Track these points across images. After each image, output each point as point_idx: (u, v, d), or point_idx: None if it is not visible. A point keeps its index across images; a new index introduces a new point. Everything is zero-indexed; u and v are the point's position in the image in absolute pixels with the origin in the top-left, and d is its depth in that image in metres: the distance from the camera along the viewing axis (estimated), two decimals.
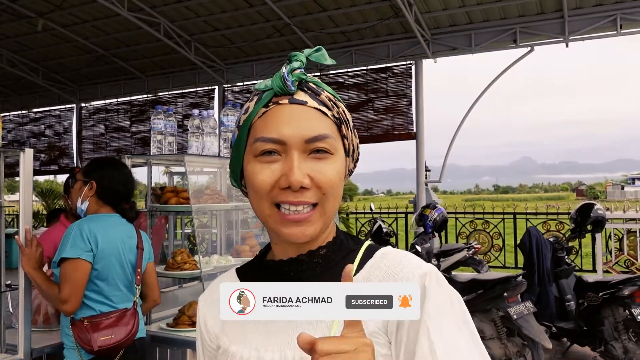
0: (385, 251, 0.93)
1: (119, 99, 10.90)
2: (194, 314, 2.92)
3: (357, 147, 0.95)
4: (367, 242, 0.96)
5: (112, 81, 10.68)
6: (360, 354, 0.67)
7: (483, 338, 4.76)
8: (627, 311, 4.57)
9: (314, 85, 0.88)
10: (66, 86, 11.01)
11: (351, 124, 0.93)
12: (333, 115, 0.88)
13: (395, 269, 0.89)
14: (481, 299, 4.84)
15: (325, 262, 0.92)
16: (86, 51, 9.41)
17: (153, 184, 3.17)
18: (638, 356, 4.54)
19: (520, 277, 4.76)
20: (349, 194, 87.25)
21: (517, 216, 8.11)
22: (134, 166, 3.05)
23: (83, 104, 11.40)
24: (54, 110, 11.78)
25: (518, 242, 6.05)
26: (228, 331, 0.95)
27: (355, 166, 0.97)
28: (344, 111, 0.90)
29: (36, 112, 12.05)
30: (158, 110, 2.97)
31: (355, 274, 0.88)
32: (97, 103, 11.28)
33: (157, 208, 2.95)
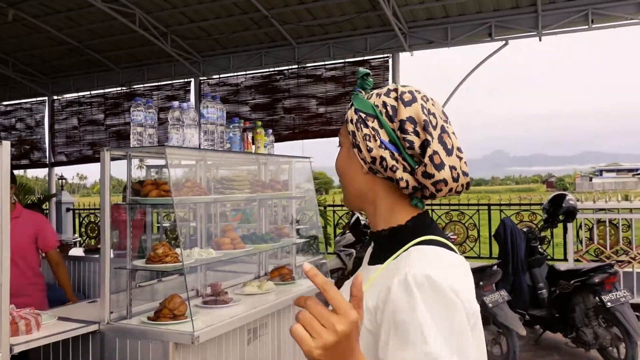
0: (416, 248, 1.03)
1: (92, 92, 10.72)
2: (175, 307, 2.92)
3: (367, 139, 1.05)
4: (425, 237, 1.04)
5: (86, 73, 10.49)
6: (339, 326, 0.75)
7: None
8: (597, 298, 4.71)
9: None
10: (38, 78, 10.78)
11: (355, 120, 1.09)
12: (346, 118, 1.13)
13: (398, 267, 0.99)
14: None
15: (382, 243, 1.10)
16: (59, 42, 9.23)
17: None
18: (607, 341, 4.69)
19: (495, 266, 4.86)
20: (325, 187, 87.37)
21: (492, 207, 8.27)
22: (112, 159, 3.03)
23: (55, 97, 11.18)
24: (25, 103, 11.53)
25: (493, 232, 6.17)
26: None
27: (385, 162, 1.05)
28: (354, 111, 1.10)
29: (6, 105, 11.78)
30: (137, 102, 2.95)
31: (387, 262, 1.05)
32: (70, 96, 11.07)
33: (138, 201, 2.94)
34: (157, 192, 2.85)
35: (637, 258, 6.60)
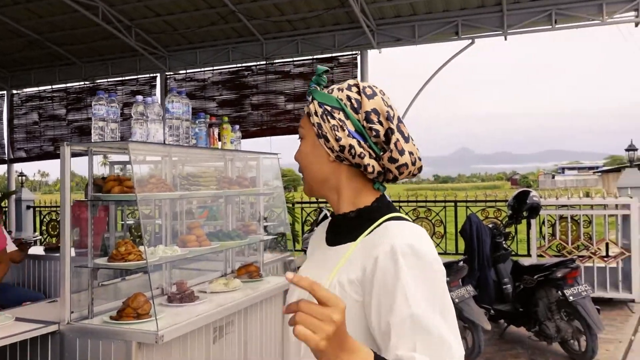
0: (390, 224, 1.13)
1: (53, 86, 10.44)
2: (138, 305, 2.85)
3: (335, 129, 1.14)
4: (393, 214, 1.16)
5: (47, 67, 10.19)
6: (335, 315, 0.84)
7: None
8: (559, 292, 4.81)
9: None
10: None
11: (320, 112, 1.17)
12: (306, 111, 1.22)
13: (378, 240, 1.09)
14: None
15: (350, 224, 1.18)
16: (18, 35, 8.94)
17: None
18: (569, 334, 4.79)
19: (462, 262, 4.90)
20: (293, 185, 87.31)
21: (458, 204, 8.36)
22: (73, 155, 2.93)
23: (15, 91, 10.84)
24: None
25: (459, 229, 6.23)
26: None
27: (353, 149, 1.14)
28: (318, 104, 1.17)
29: None
30: (100, 95, 2.86)
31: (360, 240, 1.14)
32: (30, 90, 10.75)
33: (100, 198, 2.85)
34: (120, 189, 2.77)
35: (597, 253, 6.77)
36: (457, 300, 4.67)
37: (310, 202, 9.07)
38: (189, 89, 9.18)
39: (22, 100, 10.81)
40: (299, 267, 5.27)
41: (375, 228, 1.13)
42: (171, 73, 9.40)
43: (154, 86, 9.58)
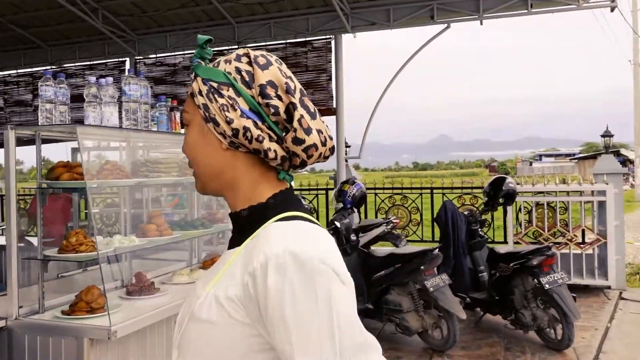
0: (273, 225, 0.93)
1: (19, 71, 10.04)
2: (92, 299, 2.68)
3: (225, 110, 0.94)
4: (287, 214, 0.95)
5: (10, 50, 9.78)
6: None
7: (400, 311, 4.82)
8: (535, 280, 4.74)
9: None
10: None
11: (205, 91, 0.97)
12: (189, 92, 1.01)
13: (256, 248, 0.90)
14: (399, 272, 4.88)
15: (242, 225, 0.99)
16: None
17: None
18: (545, 322, 4.73)
19: (437, 250, 4.82)
20: None
21: (434, 191, 8.28)
22: (22, 140, 2.73)
23: None
24: None
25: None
26: None
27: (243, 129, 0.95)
28: (202, 82, 0.97)
29: None
30: (47, 76, 2.66)
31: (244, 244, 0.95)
32: None
33: (48, 185, 2.65)
34: (69, 175, 2.58)
35: (573, 240, 6.75)
36: (431, 289, 4.59)
37: (309, 189, 8.88)
38: (159, 74, 8.91)
39: None
40: None
41: (260, 231, 0.94)
42: (141, 57, 9.11)
43: (123, 71, 9.25)
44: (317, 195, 8.71)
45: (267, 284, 0.84)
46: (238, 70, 0.96)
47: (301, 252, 0.86)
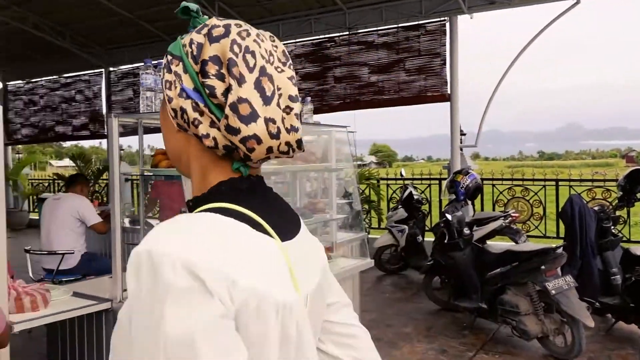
0: (170, 220, 0.76)
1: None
2: None
3: (167, 87, 0.84)
4: (213, 205, 0.80)
5: (140, 45, 10.46)
6: None
7: (518, 313, 4.42)
8: None
9: None
10: (94, 50, 10.86)
11: (165, 76, 0.85)
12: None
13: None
14: (516, 271, 4.49)
15: None
16: (110, 14, 9.17)
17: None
18: None
19: (560, 248, 4.36)
20: (388, 160, 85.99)
21: (560, 183, 7.57)
22: (126, 128, 2.78)
23: (111, 68, 11.29)
24: (84, 75, 11.71)
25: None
26: None
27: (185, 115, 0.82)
28: (166, 54, 0.86)
29: (67, 77, 12.01)
30: (147, 64, 2.67)
31: None
32: (125, 67, 11.14)
33: (149, 172, 2.67)
34: (168, 163, 2.57)
35: None
36: (553, 291, 4.16)
37: (396, 179, 8.64)
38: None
39: (118, 77, 11.24)
40: (381, 247, 4.96)
41: None
42: None
43: None
44: (429, 185, 8.36)
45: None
46: (191, 43, 0.82)
47: (156, 250, 0.68)
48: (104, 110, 11.42)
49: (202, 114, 0.80)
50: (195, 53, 0.81)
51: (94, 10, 9.12)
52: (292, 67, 0.86)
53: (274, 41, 0.85)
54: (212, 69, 0.78)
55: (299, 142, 0.84)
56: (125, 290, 2.85)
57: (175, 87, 0.82)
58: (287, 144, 0.82)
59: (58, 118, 12.07)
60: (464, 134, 8.14)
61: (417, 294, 6.29)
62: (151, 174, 2.58)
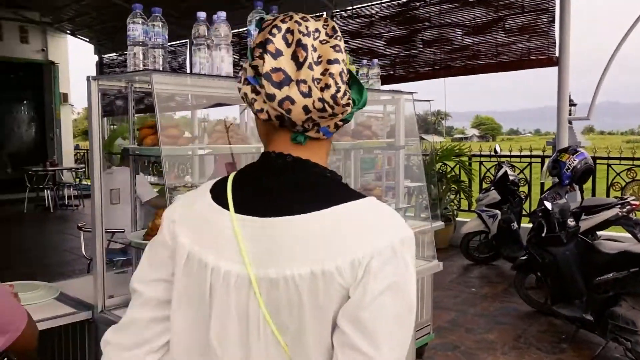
0: None
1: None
2: None
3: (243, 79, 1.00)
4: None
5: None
6: None
7: (634, 332, 3.50)
8: None
9: None
10: (180, 20, 10.70)
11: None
12: None
13: None
14: (636, 279, 3.57)
15: None
16: None
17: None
18: None
19: None
20: (492, 134, 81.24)
21: None
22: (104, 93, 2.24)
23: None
24: (169, 45, 11.63)
25: None
26: None
27: None
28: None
29: None
30: (136, 10, 2.09)
31: None
32: None
33: (135, 151, 2.10)
34: (153, 139, 1.99)
35: None
36: None
37: (490, 155, 7.65)
38: (354, 27, 8.26)
39: None
40: (469, 234, 4.21)
41: None
42: (338, 10, 8.54)
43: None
44: (529, 163, 7.29)
45: None
46: (252, 40, 1.12)
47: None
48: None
49: (258, 93, 0.92)
50: (251, 46, 0.94)
51: None
52: (339, 38, 0.93)
53: (326, 22, 0.95)
54: (257, 52, 0.92)
55: (334, 98, 0.89)
56: (111, 296, 2.34)
57: (241, 76, 0.96)
58: (321, 99, 0.88)
59: None
60: (574, 104, 6.95)
61: (508, 290, 5.44)
62: (137, 152, 2.01)
